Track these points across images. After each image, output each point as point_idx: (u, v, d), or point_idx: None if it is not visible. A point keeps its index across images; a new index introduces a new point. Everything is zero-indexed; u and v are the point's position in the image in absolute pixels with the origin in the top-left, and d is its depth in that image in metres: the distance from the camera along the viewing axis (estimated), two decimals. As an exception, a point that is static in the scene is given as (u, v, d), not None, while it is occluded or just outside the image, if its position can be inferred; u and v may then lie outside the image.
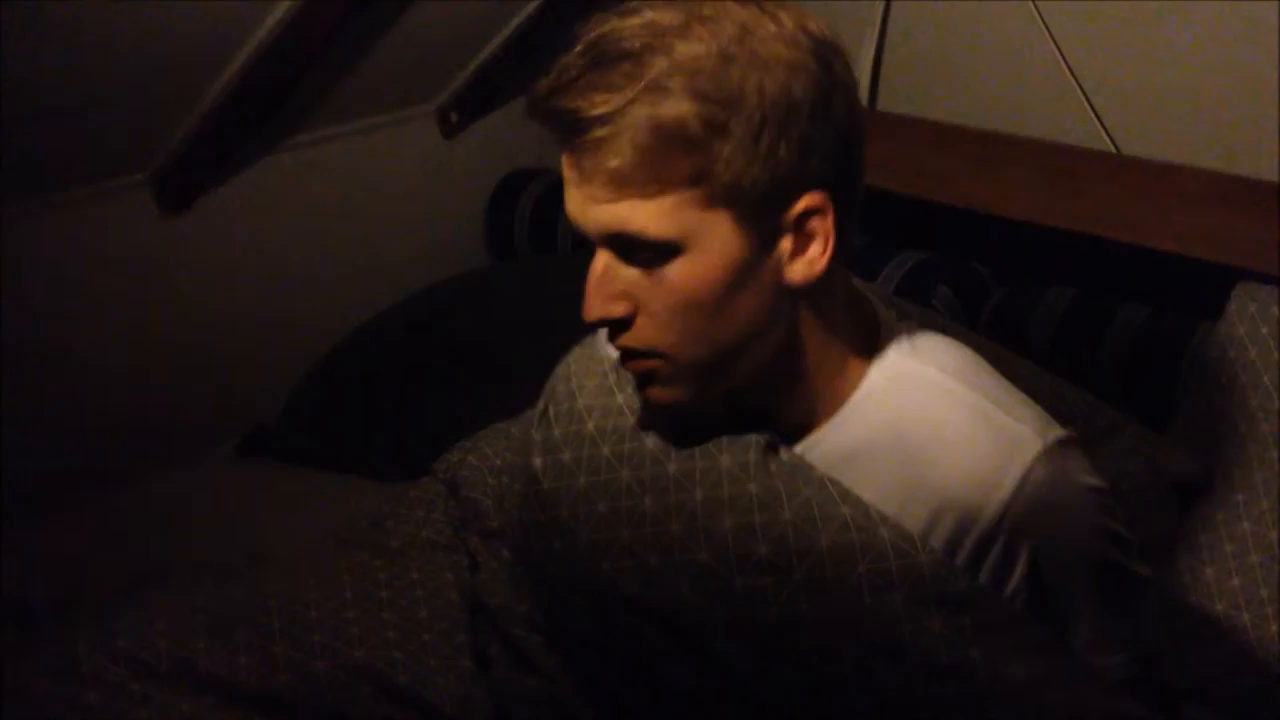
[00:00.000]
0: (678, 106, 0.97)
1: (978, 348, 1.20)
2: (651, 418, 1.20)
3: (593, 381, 1.26)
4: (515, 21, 2.60)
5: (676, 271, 1.03)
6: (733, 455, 1.14)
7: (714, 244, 1.02)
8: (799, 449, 1.16)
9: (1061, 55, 2.30)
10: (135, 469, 2.25)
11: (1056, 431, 1.09)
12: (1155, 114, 2.24)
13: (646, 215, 1.00)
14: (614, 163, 0.98)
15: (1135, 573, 1.13)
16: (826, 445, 1.15)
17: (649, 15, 0.99)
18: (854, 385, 1.14)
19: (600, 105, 0.97)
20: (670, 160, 0.99)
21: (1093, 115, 2.29)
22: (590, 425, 1.23)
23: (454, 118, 2.81)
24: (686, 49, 0.97)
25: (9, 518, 2.02)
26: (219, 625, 1.50)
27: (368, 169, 2.69)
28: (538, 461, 1.27)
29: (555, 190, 2.79)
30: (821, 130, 1.01)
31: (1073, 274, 2.26)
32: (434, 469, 1.73)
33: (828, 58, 1.02)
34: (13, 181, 2.04)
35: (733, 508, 1.13)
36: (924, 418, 1.11)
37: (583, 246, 1.10)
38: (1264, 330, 1.86)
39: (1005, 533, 1.08)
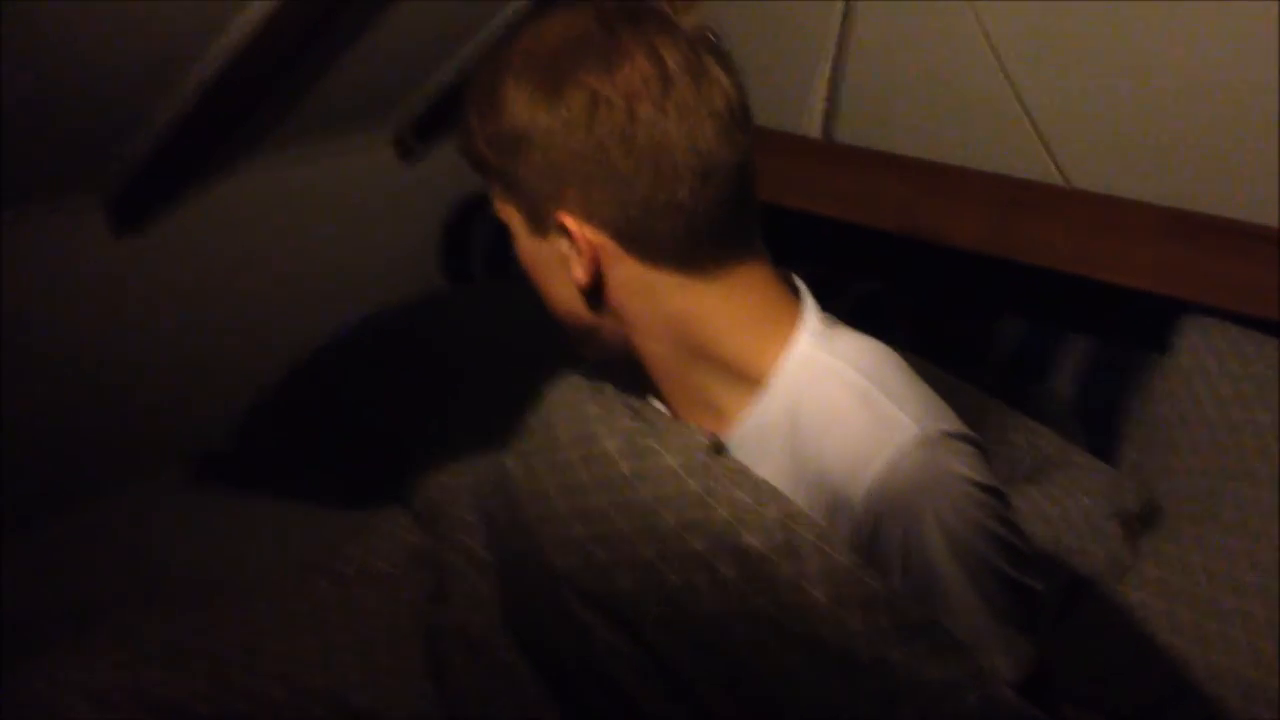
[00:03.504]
0: (471, 114, 1.20)
1: (924, 373, 1.22)
2: (615, 422, 1.26)
3: (571, 395, 1.35)
4: (473, 47, 2.61)
5: (514, 245, 1.24)
6: (678, 456, 1.19)
7: (516, 227, 1.22)
8: (728, 438, 1.21)
9: (1013, 88, 2.33)
10: (86, 492, 2.23)
11: (943, 425, 1.11)
12: (1104, 148, 2.27)
13: (493, 199, 1.23)
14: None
15: (1020, 582, 1.12)
16: (745, 432, 1.21)
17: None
18: (770, 373, 1.19)
19: None
20: (478, 162, 1.21)
21: (1043, 148, 2.32)
22: (561, 431, 1.31)
23: (411, 142, 2.81)
24: (498, 65, 1.17)
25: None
26: (173, 653, 1.50)
27: (324, 192, 2.69)
28: (514, 467, 1.35)
29: (511, 216, 2.81)
30: (577, 165, 1.13)
31: (1023, 305, 2.28)
32: (418, 486, 1.74)
33: (630, 105, 1.11)
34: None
35: (673, 505, 1.17)
36: (815, 403, 1.15)
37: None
38: (1210, 363, 1.90)
39: (874, 514, 1.10)
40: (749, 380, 1.20)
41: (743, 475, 1.17)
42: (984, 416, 1.96)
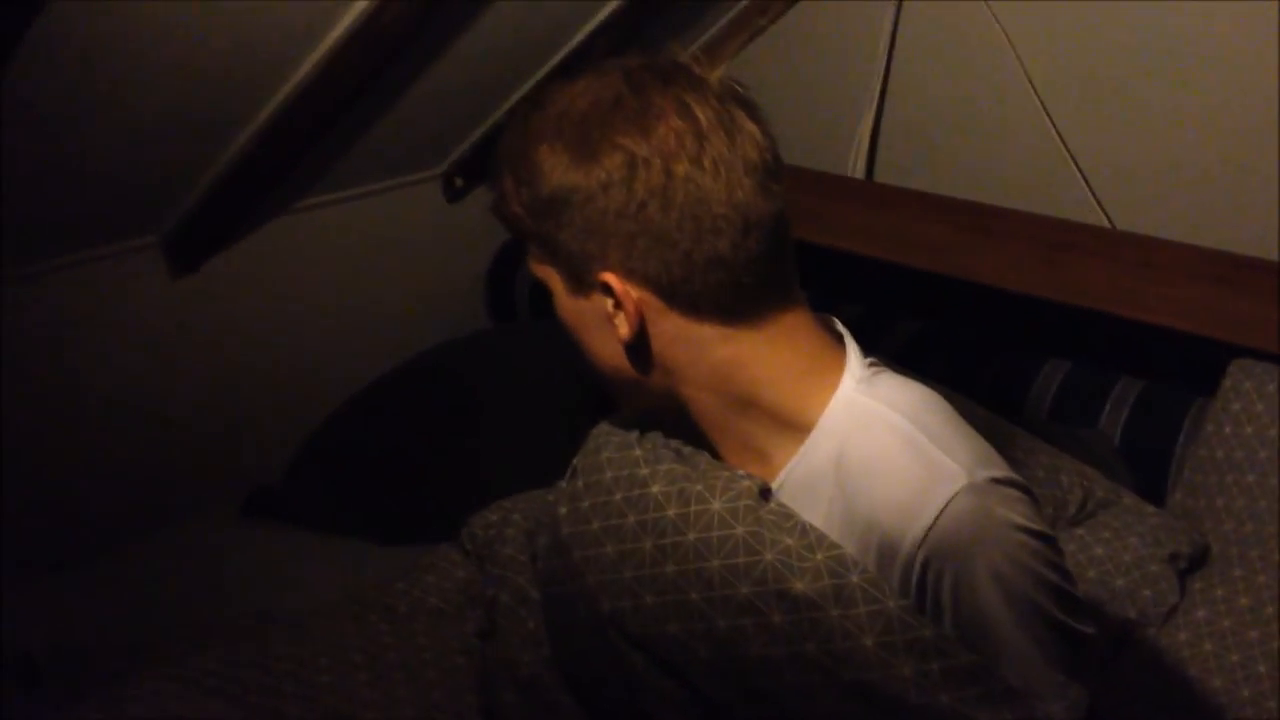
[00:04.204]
0: (505, 180, 1.21)
1: (971, 414, 1.23)
2: (660, 466, 1.27)
3: (617, 438, 1.35)
4: (519, 91, 2.64)
5: (553, 304, 1.24)
6: (724, 501, 1.20)
7: (556, 287, 1.22)
8: (775, 483, 1.22)
9: (1057, 132, 2.34)
10: (140, 528, 2.26)
11: (991, 471, 1.12)
12: (1150, 191, 2.28)
13: (530, 261, 1.24)
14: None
15: (1071, 627, 1.13)
16: (792, 478, 1.21)
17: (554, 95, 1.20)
18: (815, 420, 1.19)
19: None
20: (515, 225, 1.22)
21: (1088, 191, 2.33)
22: (609, 475, 1.31)
23: (458, 182, 2.85)
24: (529, 130, 1.18)
25: (14, 576, 2.02)
26: (230, 689, 1.52)
27: (373, 232, 2.72)
28: (563, 510, 1.35)
29: (557, 255, 2.83)
30: (618, 225, 1.14)
31: (1070, 347, 2.29)
32: (470, 524, 1.75)
33: (667, 164, 1.12)
34: (26, 242, 2.07)
35: (720, 550, 1.17)
36: (862, 449, 1.16)
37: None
38: (1259, 407, 1.89)
39: (924, 562, 1.10)
40: (795, 427, 1.20)
41: (789, 520, 1.18)
42: (1032, 458, 1.96)
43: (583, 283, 1.18)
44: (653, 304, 1.17)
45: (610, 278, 1.16)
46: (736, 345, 1.19)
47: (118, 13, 1.70)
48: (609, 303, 1.17)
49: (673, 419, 1.29)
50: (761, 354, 1.19)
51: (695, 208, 1.12)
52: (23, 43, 1.62)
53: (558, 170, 1.15)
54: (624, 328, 1.18)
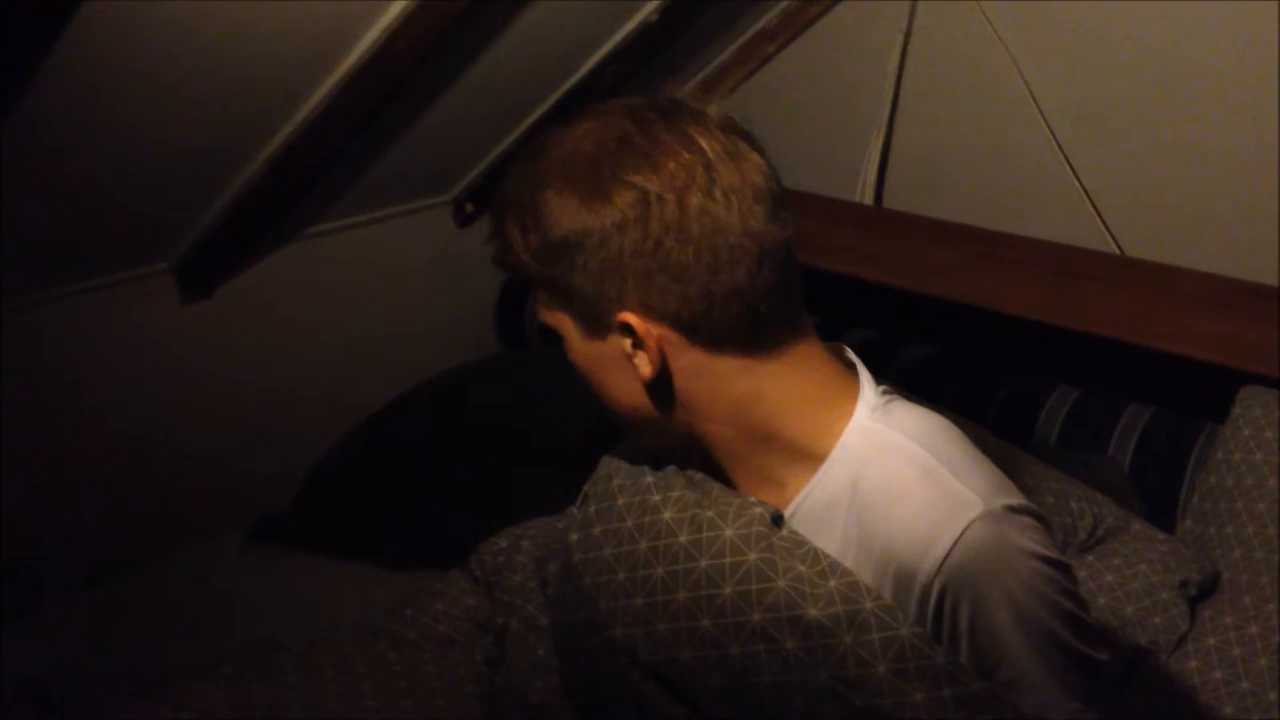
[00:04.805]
0: (510, 229, 1.19)
1: (981, 441, 1.23)
2: (672, 493, 1.27)
3: (628, 464, 1.35)
4: (530, 119, 2.66)
5: (566, 349, 1.23)
6: (737, 528, 1.20)
7: (569, 332, 1.21)
8: (789, 510, 1.22)
9: (1066, 159, 2.35)
10: (149, 554, 2.27)
11: (1006, 499, 1.12)
12: (1159, 218, 2.28)
13: (538, 308, 1.23)
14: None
15: (1086, 655, 1.13)
16: (806, 505, 1.21)
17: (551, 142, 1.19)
18: (830, 448, 1.20)
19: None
20: (523, 274, 1.20)
21: (1097, 218, 2.33)
22: (620, 501, 1.31)
23: (469, 208, 2.86)
24: (533, 178, 1.17)
25: (22, 602, 2.03)
26: (237, 716, 1.52)
27: (385, 257, 2.74)
28: (574, 537, 1.35)
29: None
30: (635, 264, 1.13)
31: (1079, 373, 2.29)
32: (479, 551, 1.75)
33: (680, 197, 1.12)
34: (38, 268, 2.08)
35: (732, 577, 1.18)
36: (879, 477, 1.16)
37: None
38: (1268, 434, 1.89)
39: (941, 590, 1.11)
40: (810, 456, 1.21)
41: (802, 547, 1.18)
42: (1041, 484, 1.96)
43: (599, 325, 1.18)
44: (673, 340, 1.16)
45: (630, 317, 1.15)
46: (754, 377, 1.19)
47: (131, 42, 1.72)
48: (628, 343, 1.17)
49: (683, 456, 1.29)
50: (779, 385, 1.19)
51: (711, 239, 1.12)
52: (37, 72, 1.63)
53: (568, 214, 1.14)
54: (646, 367, 1.17)
